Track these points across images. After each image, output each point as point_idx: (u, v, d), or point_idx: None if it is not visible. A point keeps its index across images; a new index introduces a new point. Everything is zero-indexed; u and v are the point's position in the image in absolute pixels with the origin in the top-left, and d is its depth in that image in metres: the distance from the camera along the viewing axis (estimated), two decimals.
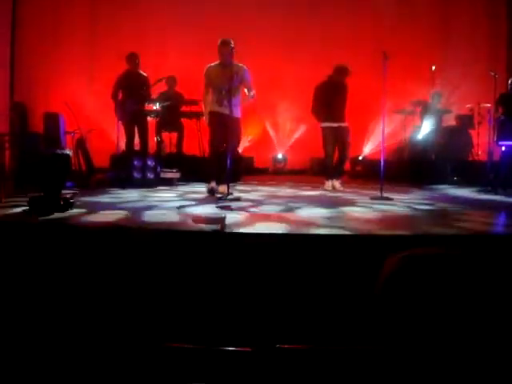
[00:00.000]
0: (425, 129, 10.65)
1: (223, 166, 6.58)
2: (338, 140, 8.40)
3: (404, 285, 1.05)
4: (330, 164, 8.53)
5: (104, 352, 2.08)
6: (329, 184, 8.41)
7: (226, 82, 6.75)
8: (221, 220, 4.55)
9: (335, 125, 8.35)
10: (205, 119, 7.23)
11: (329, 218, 4.87)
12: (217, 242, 3.78)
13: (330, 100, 8.34)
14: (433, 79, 11.51)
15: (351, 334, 2.62)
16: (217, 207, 5.59)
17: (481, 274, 1.06)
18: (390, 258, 1.14)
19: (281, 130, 12.77)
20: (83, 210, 5.08)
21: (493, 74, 9.16)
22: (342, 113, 8.43)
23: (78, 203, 5.28)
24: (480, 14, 12.36)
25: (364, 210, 5.73)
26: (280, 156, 12.52)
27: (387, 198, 6.70)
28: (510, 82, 9.35)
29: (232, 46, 6.87)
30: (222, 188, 6.76)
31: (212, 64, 7.04)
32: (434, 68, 11.04)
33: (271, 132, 12.70)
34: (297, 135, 12.54)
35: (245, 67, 6.99)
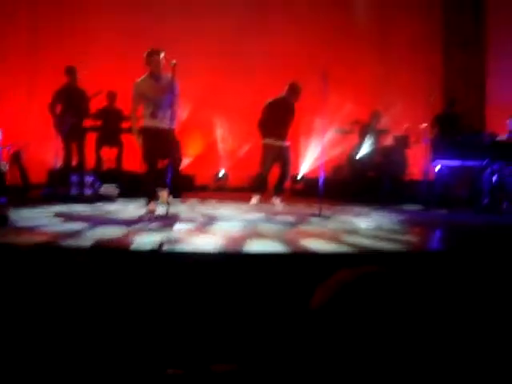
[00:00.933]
0: (364, 148, 10.89)
1: (162, 184, 6.48)
2: (280, 159, 8.41)
3: (347, 303, 1.05)
4: (261, 180, 8.56)
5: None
6: (255, 200, 8.46)
7: (161, 93, 6.60)
8: (159, 239, 4.49)
9: (278, 143, 8.37)
10: (135, 136, 6.80)
11: (267, 235, 4.88)
12: (153, 262, 3.72)
13: (278, 118, 8.37)
14: (372, 99, 11.80)
15: (285, 352, 2.60)
16: (155, 226, 5.52)
17: (421, 292, 1.07)
18: (336, 276, 1.14)
19: (223, 147, 12.78)
20: (17, 227, 4.93)
21: (430, 97, 9.49)
22: (287, 132, 8.48)
23: (13, 219, 5.12)
24: (417, 36, 12.76)
25: (302, 228, 5.77)
26: (221, 173, 12.51)
27: (326, 216, 6.78)
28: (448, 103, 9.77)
29: (163, 55, 6.64)
30: (161, 205, 6.65)
31: (141, 78, 6.75)
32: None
33: (215, 148, 12.68)
34: (239, 152, 12.58)
35: (175, 78, 6.69)
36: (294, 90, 8.41)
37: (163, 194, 6.66)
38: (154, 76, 6.68)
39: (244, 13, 12.25)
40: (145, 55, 6.67)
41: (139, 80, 6.74)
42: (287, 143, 8.49)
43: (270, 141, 8.38)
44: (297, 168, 12.67)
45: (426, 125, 9.96)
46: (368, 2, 13.05)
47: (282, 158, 8.41)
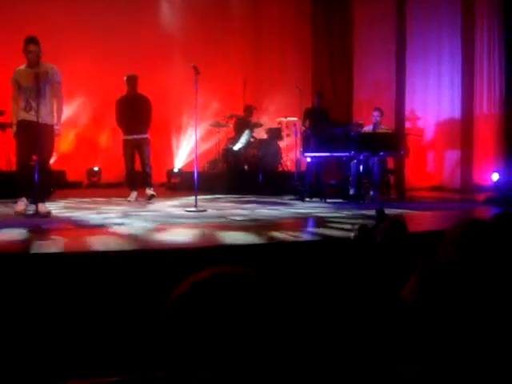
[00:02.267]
0: (239, 141, 11.04)
1: (33, 181, 6.15)
2: (137, 151, 8.59)
3: (196, 306, 1.03)
4: (130, 176, 8.75)
5: None
6: (133, 195, 8.49)
7: (33, 81, 6.20)
8: (29, 241, 4.32)
9: (131, 137, 8.53)
10: (12, 130, 6.55)
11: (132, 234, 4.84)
12: (24, 265, 3.57)
13: (124, 114, 8.57)
14: (245, 93, 12.00)
15: (145, 360, 2.55)
16: (25, 226, 5.28)
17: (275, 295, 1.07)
18: (190, 278, 1.11)
19: (96, 141, 12.42)
20: None
21: (297, 88, 9.83)
22: (139, 125, 8.53)
23: None
24: (288, 31, 13.11)
25: (176, 222, 5.78)
26: (95, 168, 12.13)
27: (201, 210, 6.82)
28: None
29: (39, 44, 6.30)
30: (33, 205, 6.29)
31: (20, 67, 6.42)
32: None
33: (88, 144, 12.26)
34: (113, 147, 12.24)
35: (55, 67, 6.47)
36: (130, 82, 8.63)
37: (35, 205, 6.28)
38: (30, 64, 6.32)
39: (115, 11, 11.92)
40: (23, 43, 6.29)
41: (17, 68, 6.43)
42: (143, 136, 8.58)
43: (124, 137, 8.66)
44: (172, 162, 12.62)
45: (296, 118, 10.32)
46: None
47: (139, 150, 8.59)
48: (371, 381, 1.35)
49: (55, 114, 6.52)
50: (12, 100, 6.52)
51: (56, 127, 6.51)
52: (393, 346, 1.44)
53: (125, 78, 8.66)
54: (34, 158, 6.38)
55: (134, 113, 8.50)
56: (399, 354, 1.37)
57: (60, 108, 6.59)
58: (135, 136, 8.51)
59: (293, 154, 10.96)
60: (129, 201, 8.33)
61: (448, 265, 1.53)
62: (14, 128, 6.48)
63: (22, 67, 6.42)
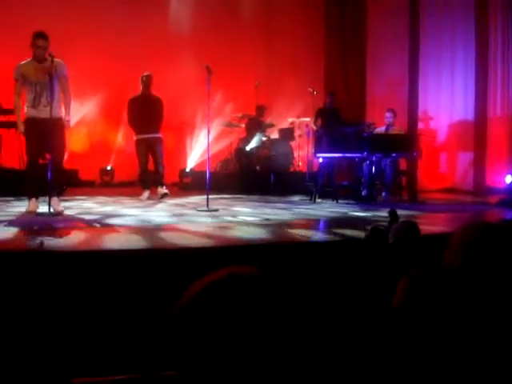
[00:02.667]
0: (250, 141, 11.04)
1: (44, 179, 6.16)
2: (150, 150, 8.65)
3: (211, 306, 1.02)
4: (143, 175, 8.84)
5: None
6: (145, 194, 8.55)
7: (43, 76, 6.17)
8: (38, 239, 4.33)
9: (145, 137, 8.59)
10: (19, 128, 6.46)
11: (147, 232, 4.84)
12: (35, 263, 3.58)
13: (137, 114, 8.64)
14: (257, 94, 11.98)
15: (154, 359, 2.55)
16: (36, 225, 5.31)
17: (289, 298, 1.06)
18: (206, 278, 1.10)
19: (109, 140, 12.46)
20: None
21: (311, 90, 9.81)
22: (152, 124, 8.60)
23: None
24: (301, 32, 13.07)
25: (186, 222, 5.78)
26: (108, 168, 12.18)
27: (213, 210, 6.82)
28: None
29: (47, 39, 6.25)
30: (45, 203, 6.29)
31: (24, 61, 6.33)
32: (257, 84, 11.59)
33: (101, 143, 12.31)
34: (125, 146, 12.28)
35: (62, 62, 6.39)
36: (143, 82, 8.71)
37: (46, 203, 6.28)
38: (37, 59, 6.27)
39: (127, 10, 11.92)
40: (31, 37, 6.26)
41: (20, 63, 6.34)
42: (156, 135, 8.64)
43: (137, 136, 8.71)
44: (185, 161, 12.63)
45: (308, 119, 10.30)
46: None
47: (152, 150, 8.64)
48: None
49: (63, 108, 6.53)
50: (15, 95, 6.40)
51: (66, 119, 6.52)
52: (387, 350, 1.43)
53: (140, 77, 8.70)
54: (48, 156, 6.39)
55: (147, 113, 8.54)
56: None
57: (68, 102, 6.58)
58: (148, 135, 8.56)
59: (305, 155, 10.94)
60: (141, 200, 8.38)
61: (440, 271, 1.51)
62: (22, 126, 6.39)
63: (28, 61, 6.33)
